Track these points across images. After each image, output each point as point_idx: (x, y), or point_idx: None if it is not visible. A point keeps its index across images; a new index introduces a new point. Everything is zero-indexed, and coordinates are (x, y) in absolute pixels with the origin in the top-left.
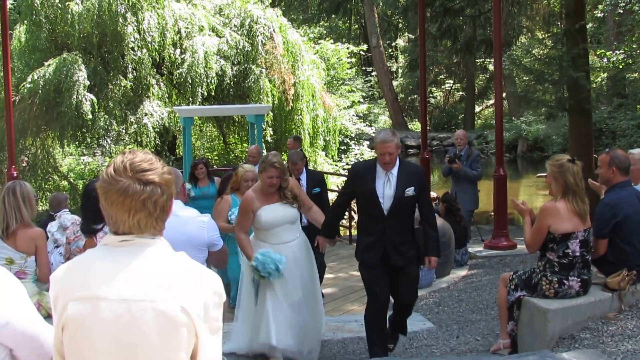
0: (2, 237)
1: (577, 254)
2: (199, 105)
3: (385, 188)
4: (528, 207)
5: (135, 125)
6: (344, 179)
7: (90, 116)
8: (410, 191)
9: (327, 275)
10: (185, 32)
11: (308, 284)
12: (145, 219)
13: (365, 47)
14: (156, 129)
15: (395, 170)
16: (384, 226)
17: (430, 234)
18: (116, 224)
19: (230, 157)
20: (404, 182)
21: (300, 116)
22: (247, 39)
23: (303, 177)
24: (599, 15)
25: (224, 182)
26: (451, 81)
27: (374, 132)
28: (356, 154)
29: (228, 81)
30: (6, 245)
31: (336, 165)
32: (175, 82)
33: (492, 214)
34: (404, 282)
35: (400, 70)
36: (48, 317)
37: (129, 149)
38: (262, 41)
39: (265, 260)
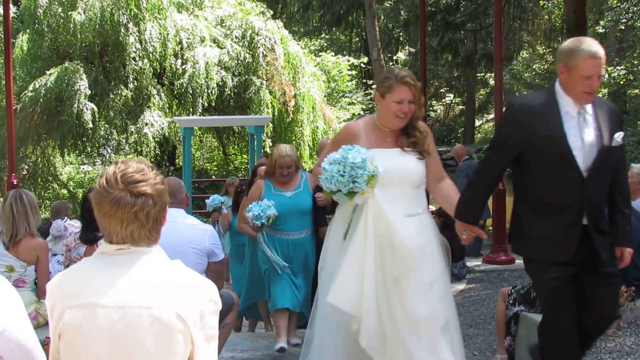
0: (7, 244)
1: None
2: (200, 115)
3: (584, 133)
4: None
5: (136, 135)
6: None
7: (90, 125)
8: (619, 138)
9: None
10: (186, 42)
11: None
12: (138, 230)
13: (366, 59)
14: (156, 139)
15: (589, 106)
16: (582, 198)
17: (624, 214)
18: (109, 234)
19: (230, 168)
20: (609, 123)
21: (300, 128)
22: (248, 51)
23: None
24: (600, 31)
25: (239, 193)
26: (451, 95)
27: None
28: None
29: (229, 92)
30: (8, 253)
31: None
32: (176, 92)
33: (491, 228)
34: (606, 285)
35: None
36: (46, 325)
37: (121, 158)
38: (263, 53)
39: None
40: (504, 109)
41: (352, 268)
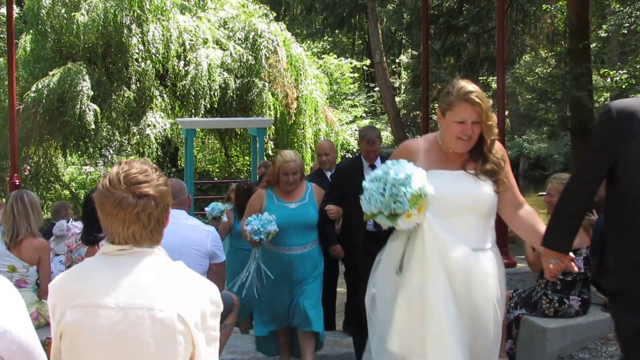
0: (8, 245)
1: (582, 270)
2: (202, 117)
3: None
4: None
5: (138, 136)
6: None
7: (93, 126)
8: None
9: None
10: (189, 44)
11: None
12: (140, 231)
13: (368, 62)
14: (158, 140)
15: None
16: None
17: None
18: (112, 235)
19: (232, 170)
20: None
21: (302, 130)
22: (250, 53)
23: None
24: (603, 35)
25: (240, 195)
26: None
27: None
28: None
29: (231, 94)
30: (10, 253)
31: None
32: (178, 93)
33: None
34: None
35: (403, 87)
36: (47, 325)
37: (125, 159)
38: (265, 55)
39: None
40: (506, 112)
41: (413, 308)
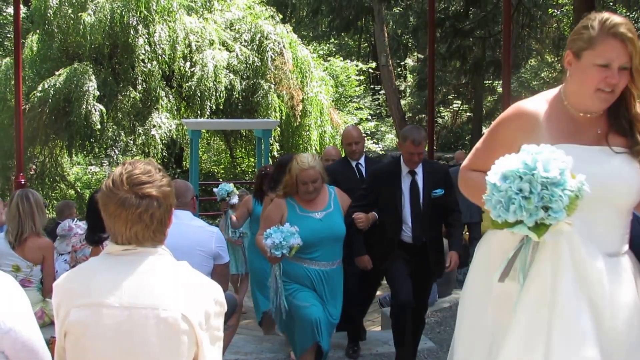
0: (13, 244)
1: None
2: (207, 118)
3: None
4: None
5: (143, 137)
6: None
7: (98, 126)
8: None
9: None
10: (195, 45)
11: None
12: (142, 231)
13: (374, 65)
14: (164, 141)
15: None
16: None
17: None
18: (115, 235)
19: (237, 171)
20: None
21: (307, 132)
22: (256, 54)
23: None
24: None
25: (263, 177)
26: (459, 101)
27: (381, 150)
28: None
29: (237, 95)
30: (14, 252)
31: None
32: (184, 94)
33: None
34: None
35: (408, 90)
36: (51, 324)
37: (130, 159)
38: (271, 57)
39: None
40: None
41: (534, 328)
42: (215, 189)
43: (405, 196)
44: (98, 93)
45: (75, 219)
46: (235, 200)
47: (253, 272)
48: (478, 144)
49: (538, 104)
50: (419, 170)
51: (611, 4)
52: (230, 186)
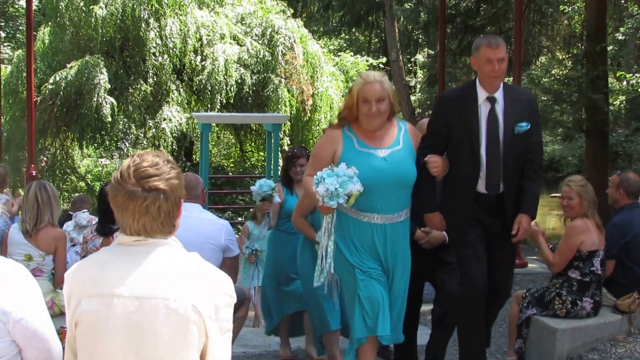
0: (28, 232)
1: (599, 271)
2: (218, 112)
3: None
4: (540, 228)
5: (154, 130)
6: None
7: (109, 119)
8: None
9: None
10: (206, 39)
11: None
12: (150, 223)
13: (384, 60)
14: (174, 134)
15: None
16: None
17: None
18: (123, 227)
19: (247, 165)
20: None
21: (317, 127)
22: (267, 49)
23: None
24: (620, 37)
25: (290, 159)
26: None
27: None
28: None
29: (247, 89)
30: (27, 242)
31: None
32: (194, 88)
33: None
34: None
35: (418, 85)
36: (62, 314)
37: (139, 152)
38: (282, 51)
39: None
40: None
41: None
42: (252, 187)
43: (482, 130)
44: (109, 86)
45: (86, 211)
46: (277, 199)
47: (271, 273)
48: None
49: None
50: (499, 95)
51: (622, 1)
52: (272, 183)
